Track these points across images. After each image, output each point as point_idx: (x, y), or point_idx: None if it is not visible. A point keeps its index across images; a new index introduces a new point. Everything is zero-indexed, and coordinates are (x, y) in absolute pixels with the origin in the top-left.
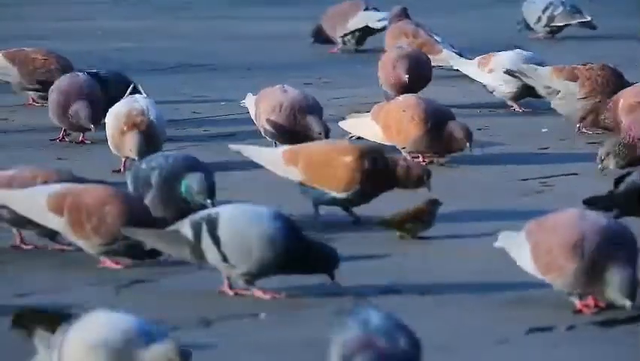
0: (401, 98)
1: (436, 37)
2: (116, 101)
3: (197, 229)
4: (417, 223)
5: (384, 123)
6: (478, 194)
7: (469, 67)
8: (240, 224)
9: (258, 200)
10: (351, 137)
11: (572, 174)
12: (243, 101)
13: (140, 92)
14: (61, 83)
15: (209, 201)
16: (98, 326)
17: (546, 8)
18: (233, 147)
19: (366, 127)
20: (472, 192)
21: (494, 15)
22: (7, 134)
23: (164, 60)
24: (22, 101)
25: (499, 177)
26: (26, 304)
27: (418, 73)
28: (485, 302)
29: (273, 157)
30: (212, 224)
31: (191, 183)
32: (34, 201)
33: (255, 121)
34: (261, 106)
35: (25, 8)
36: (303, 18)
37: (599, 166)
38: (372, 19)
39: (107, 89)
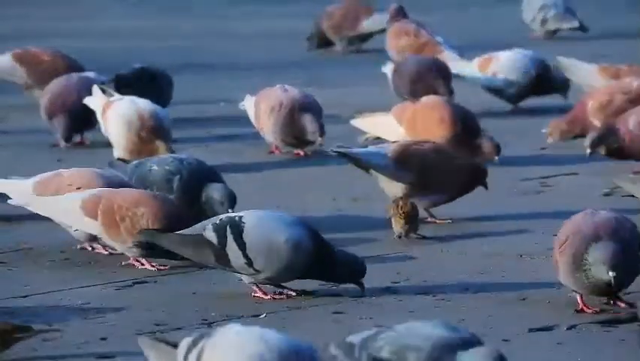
0: (425, 99)
1: (437, 38)
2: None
3: (221, 233)
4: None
5: (409, 123)
6: (478, 194)
7: (468, 69)
8: (265, 229)
9: (258, 200)
10: (368, 137)
11: (571, 174)
12: (243, 103)
13: (105, 91)
14: (53, 86)
15: (230, 211)
16: (252, 345)
17: (541, 9)
18: (338, 150)
19: (386, 126)
20: (474, 197)
21: (494, 14)
22: (6, 134)
23: (165, 60)
24: (21, 100)
25: (500, 177)
26: (27, 305)
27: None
28: (486, 302)
29: (382, 162)
30: (237, 228)
31: (212, 194)
32: (69, 207)
33: (254, 122)
34: (262, 106)
35: (27, 8)
36: (303, 16)
37: (588, 150)
38: (385, 21)
39: (156, 83)
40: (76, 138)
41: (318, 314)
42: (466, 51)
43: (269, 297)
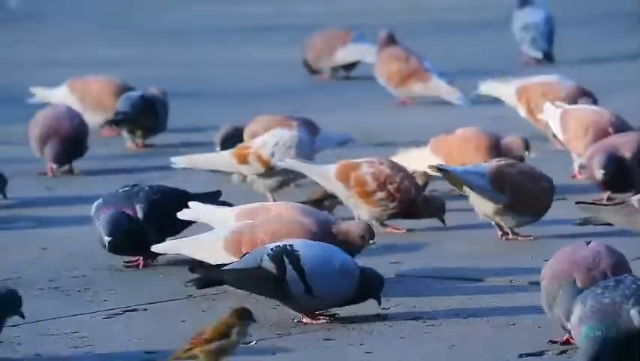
0: (462, 130)
1: (425, 64)
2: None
3: (280, 262)
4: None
5: (445, 155)
6: (468, 218)
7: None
8: (318, 255)
9: None
10: (414, 172)
11: (561, 199)
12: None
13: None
14: (45, 114)
15: None
16: None
17: (523, 29)
18: (438, 165)
19: (424, 160)
20: (461, 217)
21: (482, 40)
22: None
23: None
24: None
25: None
26: (15, 334)
27: None
28: (477, 327)
29: (480, 182)
30: (294, 256)
31: None
32: (211, 247)
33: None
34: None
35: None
36: (294, 43)
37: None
38: (366, 53)
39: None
40: (65, 167)
41: (308, 341)
42: (454, 78)
43: (320, 321)
